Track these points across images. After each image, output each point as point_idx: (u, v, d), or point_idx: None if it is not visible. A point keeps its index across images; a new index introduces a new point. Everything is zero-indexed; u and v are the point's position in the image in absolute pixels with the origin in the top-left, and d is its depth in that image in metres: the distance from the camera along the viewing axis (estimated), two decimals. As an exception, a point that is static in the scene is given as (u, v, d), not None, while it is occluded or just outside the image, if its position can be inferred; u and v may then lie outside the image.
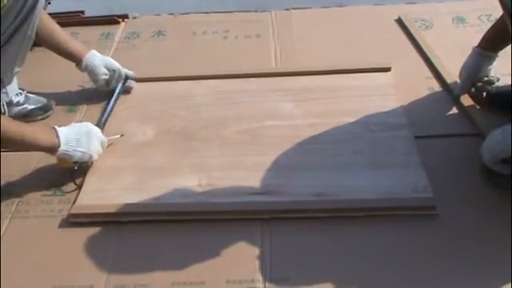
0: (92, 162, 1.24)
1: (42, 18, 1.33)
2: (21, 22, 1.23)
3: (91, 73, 1.45)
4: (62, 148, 1.15)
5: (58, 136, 1.15)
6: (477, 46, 1.32)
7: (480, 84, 1.35)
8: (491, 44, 1.29)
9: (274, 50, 1.69)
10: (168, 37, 1.81)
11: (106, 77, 1.47)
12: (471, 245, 1.04)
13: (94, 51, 1.45)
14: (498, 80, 1.36)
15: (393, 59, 1.54)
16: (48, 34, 1.37)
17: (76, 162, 1.20)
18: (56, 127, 1.17)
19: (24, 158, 1.30)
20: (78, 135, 1.18)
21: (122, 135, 1.33)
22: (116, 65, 1.48)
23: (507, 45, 1.26)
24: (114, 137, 1.31)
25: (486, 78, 1.35)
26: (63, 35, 1.41)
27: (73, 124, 1.22)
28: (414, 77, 1.50)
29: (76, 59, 1.43)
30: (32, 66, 1.37)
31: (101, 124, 1.35)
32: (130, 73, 1.52)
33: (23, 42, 1.27)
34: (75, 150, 1.16)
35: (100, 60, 1.45)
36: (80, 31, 1.85)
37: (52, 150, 1.16)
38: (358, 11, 1.87)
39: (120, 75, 1.49)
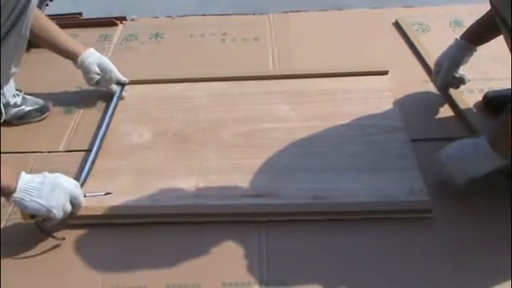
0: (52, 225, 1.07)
1: (38, 17, 1.33)
2: (15, 20, 1.22)
3: (83, 70, 1.44)
4: (17, 195, 1.00)
5: (17, 180, 1.01)
6: (460, 38, 1.32)
7: (450, 79, 1.36)
8: (475, 38, 1.29)
9: (271, 53, 1.69)
10: (166, 39, 1.81)
11: (98, 76, 1.46)
12: (467, 247, 1.04)
13: (91, 50, 1.45)
14: (469, 80, 1.37)
15: (390, 62, 1.54)
16: (45, 32, 1.37)
17: (33, 217, 1.04)
18: (22, 172, 1.04)
19: (22, 159, 1.30)
20: (41, 185, 1.03)
21: (106, 193, 1.15)
22: (110, 67, 1.48)
23: (489, 40, 1.26)
24: (94, 194, 1.14)
25: (458, 75, 1.36)
26: (60, 33, 1.41)
27: (44, 173, 1.07)
28: (411, 80, 1.50)
29: (73, 56, 1.43)
30: (29, 68, 1.38)
31: (81, 178, 1.21)
32: (124, 79, 1.51)
33: (18, 42, 1.26)
34: (32, 201, 1.01)
35: (95, 59, 1.45)
36: (78, 33, 1.84)
37: (6, 193, 1.01)
38: (356, 14, 1.88)
39: (110, 78, 1.48)
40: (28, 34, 1.27)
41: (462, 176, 1.08)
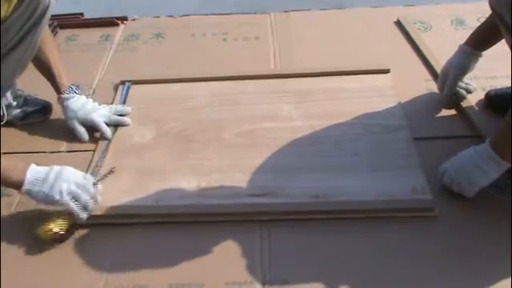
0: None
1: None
2: (28, 30, 1.21)
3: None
4: (26, 187, 1.07)
5: (25, 174, 1.07)
6: (464, 44, 1.31)
7: (458, 88, 1.35)
8: (479, 43, 1.28)
9: (272, 52, 1.69)
10: (167, 39, 1.81)
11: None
12: (470, 246, 1.04)
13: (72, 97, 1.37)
14: (474, 89, 1.37)
15: (392, 61, 1.54)
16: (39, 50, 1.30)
17: (57, 233, 1.08)
18: (33, 164, 1.10)
19: (24, 160, 1.30)
20: (45, 175, 1.08)
21: (111, 170, 1.21)
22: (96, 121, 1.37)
23: (494, 44, 1.26)
24: (102, 177, 1.20)
25: (464, 84, 1.35)
26: (54, 58, 1.35)
27: (53, 166, 1.12)
28: (412, 79, 1.50)
29: (56, 90, 1.38)
30: (31, 69, 1.37)
31: (96, 166, 1.25)
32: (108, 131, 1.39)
33: (27, 51, 1.24)
34: (39, 191, 1.07)
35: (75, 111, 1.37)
36: (79, 33, 1.85)
37: (18, 186, 1.07)
38: (357, 13, 1.88)
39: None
40: (37, 45, 1.26)
41: (472, 187, 1.09)
